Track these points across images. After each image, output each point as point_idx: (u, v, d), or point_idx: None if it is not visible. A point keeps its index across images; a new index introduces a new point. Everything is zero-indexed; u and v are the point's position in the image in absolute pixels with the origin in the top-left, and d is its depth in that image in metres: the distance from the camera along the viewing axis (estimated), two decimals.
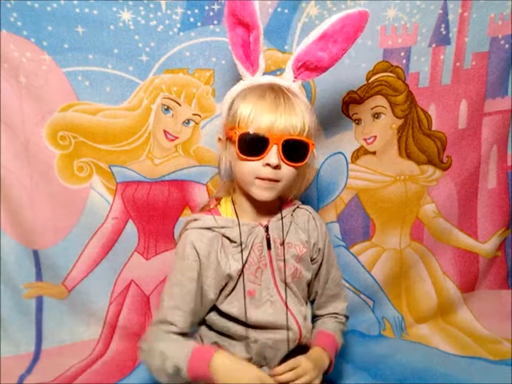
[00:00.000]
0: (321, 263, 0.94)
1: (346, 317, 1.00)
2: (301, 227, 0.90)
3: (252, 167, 0.79)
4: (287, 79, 0.85)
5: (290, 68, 0.85)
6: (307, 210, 0.93)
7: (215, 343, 0.90)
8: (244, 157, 0.79)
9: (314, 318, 0.99)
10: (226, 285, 0.84)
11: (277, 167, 0.77)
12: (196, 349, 0.78)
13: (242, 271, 0.84)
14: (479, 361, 1.19)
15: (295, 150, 0.79)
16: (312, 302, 0.99)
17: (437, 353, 1.24)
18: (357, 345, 1.27)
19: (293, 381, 0.80)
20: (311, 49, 0.84)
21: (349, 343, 1.27)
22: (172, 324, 0.80)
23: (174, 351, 0.78)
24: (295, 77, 0.86)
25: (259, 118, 0.77)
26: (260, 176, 0.79)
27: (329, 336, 0.93)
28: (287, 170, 0.79)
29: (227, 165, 0.85)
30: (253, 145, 0.78)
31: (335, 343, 0.93)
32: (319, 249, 0.92)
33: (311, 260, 0.93)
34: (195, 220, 0.86)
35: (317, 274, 0.95)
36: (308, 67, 0.85)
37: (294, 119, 0.78)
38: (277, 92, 0.80)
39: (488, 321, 1.34)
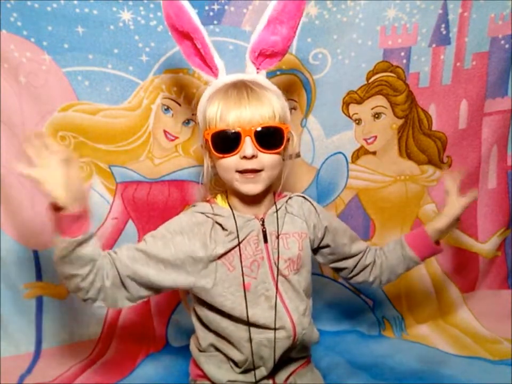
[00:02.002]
0: (335, 236, 0.94)
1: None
2: (296, 214, 0.90)
3: (230, 163, 0.80)
4: (250, 73, 0.86)
5: (249, 61, 0.85)
6: (299, 196, 0.93)
7: (212, 345, 0.90)
8: (220, 154, 0.79)
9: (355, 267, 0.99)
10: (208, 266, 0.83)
11: (252, 157, 0.78)
12: None
13: (241, 264, 0.83)
14: (479, 361, 1.19)
15: (269, 137, 0.79)
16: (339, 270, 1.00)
17: (437, 353, 1.24)
18: (357, 345, 1.28)
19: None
20: (263, 36, 0.84)
21: (349, 343, 1.28)
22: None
23: None
24: (258, 68, 0.86)
25: (225, 115, 0.78)
26: (239, 169, 0.79)
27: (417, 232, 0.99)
28: (267, 158, 0.80)
29: (210, 169, 0.86)
30: (226, 141, 0.79)
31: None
32: (325, 227, 0.92)
33: (320, 241, 0.93)
34: (193, 206, 0.87)
35: (337, 247, 0.95)
36: (265, 54, 0.85)
37: (260, 109, 0.78)
38: (239, 87, 0.80)
39: (488, 321, 1.34)
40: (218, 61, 0.85)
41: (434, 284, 1.37)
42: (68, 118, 1.11)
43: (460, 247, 1.37)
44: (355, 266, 0.98)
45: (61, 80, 1.09)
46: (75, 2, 1.03)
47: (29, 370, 1.20)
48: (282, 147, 0.81)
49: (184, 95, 1.13)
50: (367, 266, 0.98)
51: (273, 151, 0.80)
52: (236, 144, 0.78)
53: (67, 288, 0.80)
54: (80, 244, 0.74)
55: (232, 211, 0.85)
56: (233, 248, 0.83)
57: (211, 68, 0.85)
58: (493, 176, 1.34)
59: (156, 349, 1.28)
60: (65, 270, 0.76)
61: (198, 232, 0.83)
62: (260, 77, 0.86)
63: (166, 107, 1.14)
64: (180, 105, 1.14)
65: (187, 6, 0.82)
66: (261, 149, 0.79)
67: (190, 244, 0.82)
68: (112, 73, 1.10)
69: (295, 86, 1.15)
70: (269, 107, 0.79)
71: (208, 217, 0.84)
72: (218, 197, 0.89)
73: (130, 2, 1.04)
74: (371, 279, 0.99)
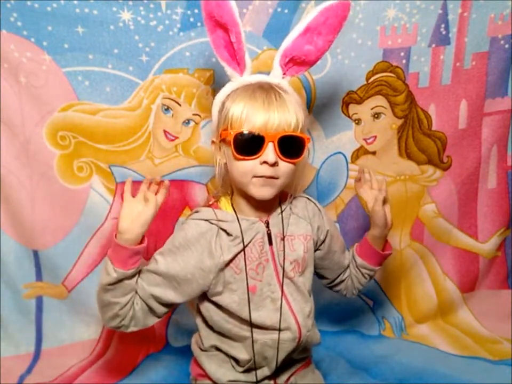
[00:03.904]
0: (331, 241, 0.94)
1: None
2: (301, 215, 0.90)
3: (249, 166, 0.78)
4: (276, 77, 0.85)
5: (278, 65, 0.85)
6: (303, 196, 0.93)
7: (215, 346, 0.90)
8: (241, 156, 0.78)
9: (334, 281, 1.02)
10: (217, 278, 0.84)
11: (274, 164, 0.77)
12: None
13: (245, 267, 0.83)
14: (479, 361, 1.20)
15: (291, 146, 0.79)
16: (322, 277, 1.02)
17: (437, 353, 1.24)
18: (357, 345, 1.28)
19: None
20: (297, 43, 0.83)
21: (349, 343, 1.28)
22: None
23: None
24: (284, 73, 0.85)
25: (252, 117, 0.77)
26: (257, 174, 0.78)
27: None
28: (285, 167, 0.79)
29: (222, 167, 0.85)
30: (248, 144, 0.77)
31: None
32: (327, 230, 0.93)
33: (321, 243, 0.93)
34: (196, 212, 0.86)
35: (329, 252, 0.95)
36: (296, 62, 0.85)
37: (287, 116, 0.78)
38: (267, 90, 0.79)
39: (488, 321, 1.34)
40: (248, 59, 0.84)
41: (434, 284, 1.37)
42: (68, 118, 1.12)
43: (460, 247, 1.37)
44: (335, 279, 1.01)
45: (61, 80, 1.09)
46: (75, 2, 1.03)
47: (29, 370, 1.20)
48: (300, 158, 0.80)
49: (184, 95, 1.13)
50: (343, 280, 1.01)
51: (293, 160, 0.80)
52: (258, 148, 0.77)
53: (102, 318, 0.84)
54: (130, 276, 0.79)
55: (236, 215, 0.84)
56: (239, 252, 0.83)
57: (239, 64, 0.84)
58: (493, 176, 1.34)
59: (156, 349, 1.28)
60: (107, 297, 0.80)
61: (204, 242, 0.82)
62: (285, 83, 0.85)
63: (166, 107, 1.14)
64: (180, 105, 1.14)
65: (231, 2, 0.81)
66: (281, 157, 0.78)
67: (198, 254, 0.82)
68: (112, 73, 1.10)
69: (295, 86, 1.15)
70: (294, 115, 0.78)
71: (212, 223, 0.83)
72: (222, 199, 0.89)
73: (130, 2, 1.05)
74: (344, 292, 1.02)
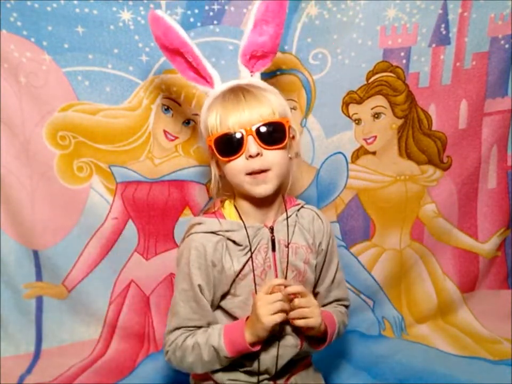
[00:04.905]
0: (322, 265, 0.93)
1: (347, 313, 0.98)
2: (306, 228, 0.89)
3: (238, 166, 0.79)
4: (244, 77, 0.86)
5: (241, 65, 0.86)
6: (312, 210, 0.93)
7: None
8: (226, 158, 0.79)
9: None
10: (231, 286, 0.84)
11: (258, 155, 0.78)
12: (226, 326, 0.82)
13: (254, 275, 0.83)
14: (479, 361, 1.20)
15: (271, 133, 0.79)
16: None
17: (437, 353, 1.24)
18: (357, 345, 1.28)
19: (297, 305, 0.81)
20: (251, 39, 0.85)
21: (349, 343, 1.28)
22: (194, 327, 0.83)
23: (205, 337, 0.81)
24: (251, 71, 0.87)
25: (225, 120, 0.78)
26: (247, 171, 0.79)
27: (325, 311, 0.89)
28: (273, 156, 0.79)
29: (217, 178, 0.86)
30: (229, 144, 0.79)
31: (331, 316, 0.90)
32: (322, 249, 0.91)
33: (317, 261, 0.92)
34: (199, 223, 0.85)
35: (319, 276, 0.93)
36: (257, 56, 0.86)
37: (259, 108, 0.79)
38: (236, 91, 0.81)
39: (488, 321, 1.34)
40: (212, 71, 0.86)
41: (434, 284, 1.37)
42: (68, 118, 1.12)
43: (460, 247, 1.37)
44: None
45: (61, 80, 1.09)
46: (75, 2, 1.03)
47: (29, 370, 1.20)
48: (285, 142, 0.80)
49: (184, 95, 1.13)
50: None
51: (277, 147, 0.79)
52: (240, 145, 0.78)
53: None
54: None
55: (242, 221, 0.84)
56: (247, 261, 0.83)
57: (205, 78, 0.86)
58: (493, 176, 1.34)
59: (156, 349, 1.28)
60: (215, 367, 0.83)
61: (216, 256, 0.82)
62: (255, 79, 0.86)
63: (166, 107, 1.14)
64: (180, 105, 1.14)
65: (173, 23, 0.84)
66: (264, 146, 0.78)
67: (215, 272, 0.83)
68: (112, 73, 1.10)
69: (295, 86, 1.15)
70: (267, 106, 0.79)
71: (219, 235, 0.83)
72: (226, 205, 0.88)
73: (130, 2, 1.05)
74: None
